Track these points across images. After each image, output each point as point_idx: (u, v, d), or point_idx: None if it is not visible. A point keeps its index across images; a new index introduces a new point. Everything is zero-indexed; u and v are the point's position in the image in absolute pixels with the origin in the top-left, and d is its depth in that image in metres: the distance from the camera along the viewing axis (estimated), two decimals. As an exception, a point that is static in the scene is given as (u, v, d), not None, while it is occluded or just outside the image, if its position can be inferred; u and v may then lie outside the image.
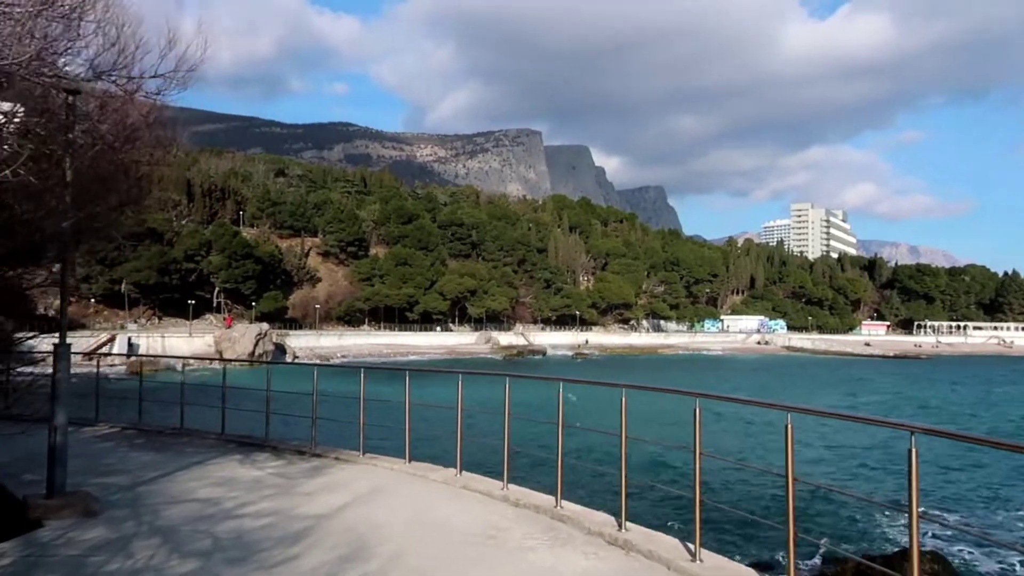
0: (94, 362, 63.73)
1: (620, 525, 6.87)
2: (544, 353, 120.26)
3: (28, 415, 14.66)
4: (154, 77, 7.99)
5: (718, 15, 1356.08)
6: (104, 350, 78.97)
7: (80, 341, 79.00)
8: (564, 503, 7.48)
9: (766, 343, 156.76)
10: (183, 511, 7.41)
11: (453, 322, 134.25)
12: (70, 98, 7.54)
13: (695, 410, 6.16)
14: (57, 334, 9.72)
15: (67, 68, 7.32)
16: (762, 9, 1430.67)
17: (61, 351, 8.30)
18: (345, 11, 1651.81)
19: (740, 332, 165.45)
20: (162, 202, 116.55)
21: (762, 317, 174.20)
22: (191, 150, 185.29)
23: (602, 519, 7.21)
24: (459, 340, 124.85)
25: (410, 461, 9.83)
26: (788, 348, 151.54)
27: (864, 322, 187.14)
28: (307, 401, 10.75)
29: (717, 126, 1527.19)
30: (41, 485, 8.10)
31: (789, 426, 5.43)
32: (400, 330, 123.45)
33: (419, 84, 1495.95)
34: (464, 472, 8.98)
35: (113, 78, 7.66)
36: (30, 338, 12.25)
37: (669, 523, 15.26)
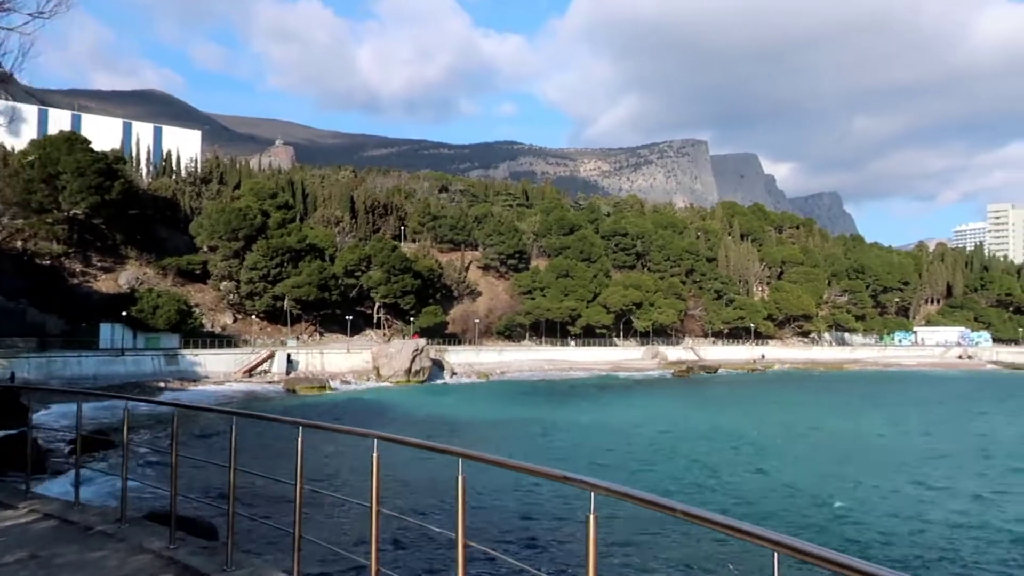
0: (252, 379, 62.39)
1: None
2: (716, 370, 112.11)
3: None
4: None
5: (902, 7, 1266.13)
6: (264, 367, 78.88)
7: (240, 358, 79.45)
8: None
9: (969, 357, 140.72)
10: None
11: (618, 336, 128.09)
12: None
13: (373, 456, 5.14)
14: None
15: None
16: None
17: None
18: (509, 30, 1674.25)
19: (937, 345, 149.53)
20: (325, 219, 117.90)
21: (963, 328, 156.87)
22: (358, 170, 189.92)
23: None
24: (624, 355, 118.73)
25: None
26: (995, 363, 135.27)
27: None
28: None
29: (900, 126, 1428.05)
30: None
31: (460, 477, 4.62)
32: (562, 345, 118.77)
33: (582, 98, 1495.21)
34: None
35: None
36: None
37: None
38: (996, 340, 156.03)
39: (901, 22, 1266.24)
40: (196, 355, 77.41)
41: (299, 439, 5.63)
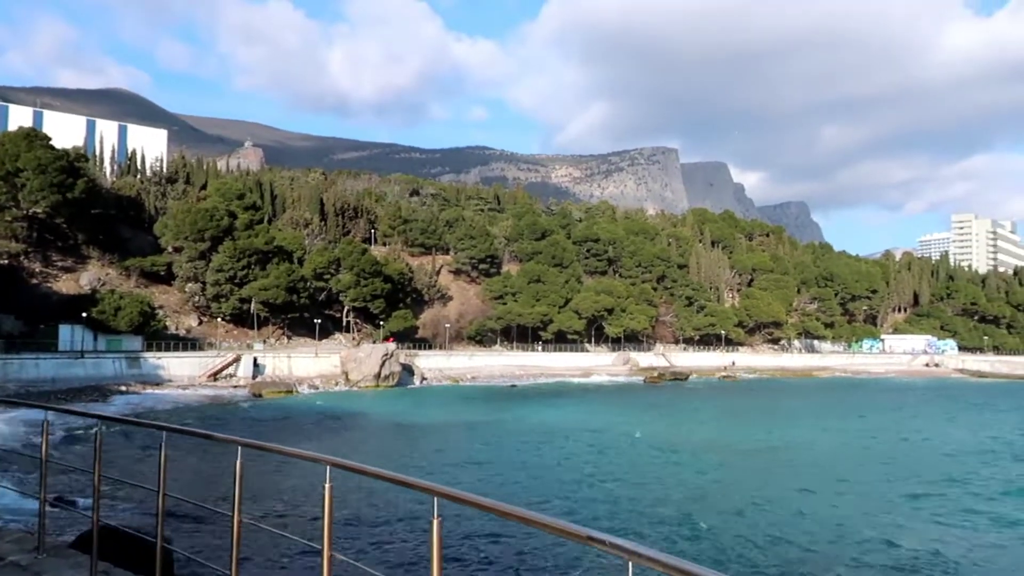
0: (217, 383, 60.78)
1: None
2: (687, 376, 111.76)
3: None
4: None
5: (871, 18, 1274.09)
6: (229, 371, 77.15)
7: (205, 361, 77.59)
8: None
9: (936, 365, 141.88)
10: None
11: (589, 342, 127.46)
12: None
13: (325, 487, 4.26)
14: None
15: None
16: (921, 9, 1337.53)
17: None
18: (482, 35, 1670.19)
19: (904, 353, 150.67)
20: (294, 221, 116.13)
21: (929, 336, 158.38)
22: (328, 173, 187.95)
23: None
24: (595, 361, 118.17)
25: None
26: (961, 371, 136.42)
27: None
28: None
29: (867, 136, 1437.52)
30: None
31: (435, 520, 3.66)
32: (533, 350, 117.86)
33: (553, 104, 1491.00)
34: None
35: None
36: None
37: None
38: (962, 348, 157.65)
39: (868, 34, 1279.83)
40: (159, 358, 75.42)
41: (238, 461, 4.59)
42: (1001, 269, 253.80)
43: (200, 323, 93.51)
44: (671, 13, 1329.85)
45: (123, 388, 66.71)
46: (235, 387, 74.31)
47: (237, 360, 79.39)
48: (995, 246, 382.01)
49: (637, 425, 50.12)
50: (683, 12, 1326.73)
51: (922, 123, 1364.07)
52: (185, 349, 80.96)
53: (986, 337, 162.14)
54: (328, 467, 4.15)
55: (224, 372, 77.56)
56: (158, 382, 71.68)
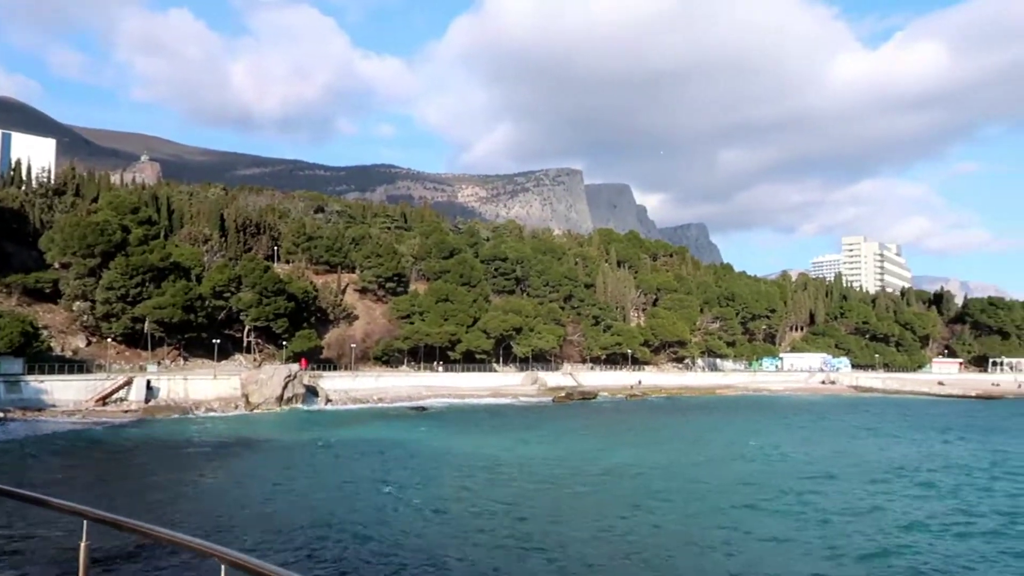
0: (107, 408, 56.80)
1: None
2: (595, 396, 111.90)
3: None
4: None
5: (767, 48, 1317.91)
6: (120, 395, 73.08)
7: (93, 384, 73.20)
8: None
9: (832, 382, 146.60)
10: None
11: (497, 362, 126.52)
12: None
13: None
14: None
15: None
16: (812, 40, 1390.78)
17: None
18: (389, 52, 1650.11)
19: (802, 371, 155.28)
20: (192, 236, 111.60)
21: (825, 355, 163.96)
22: (230, 188, 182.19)
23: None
24: (504, 381, 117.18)
25: None
26: (856, 388, 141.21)
27: (934, 359, 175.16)
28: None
29: (763, 161, 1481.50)
30: None
31: None
32: (444, 370, 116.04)
33: (459, 123, 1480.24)
34: None
35: None
36: None
37: None
38: (855, 366, 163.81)
39: (764, 63, 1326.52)
40: (42, 382, 70.67)
41: (82, 540, 3.17)
42: (888, 289, 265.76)
43: (89, 344, 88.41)
44: (575, 37, 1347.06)
45: (0, 415, 62.06)
46: (126, 412, 70.24)
47: (128, 383, 75.06)
48: (882, 267, 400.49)
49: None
50: (586, 36, 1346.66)
51: (814, 149, 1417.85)
52: (72, 372, 76.14)
53: (877, 355, 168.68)
54: (224, 565, 2.74)
55: (114, 396, 73.22)
56: (40, 407, 67.11)
